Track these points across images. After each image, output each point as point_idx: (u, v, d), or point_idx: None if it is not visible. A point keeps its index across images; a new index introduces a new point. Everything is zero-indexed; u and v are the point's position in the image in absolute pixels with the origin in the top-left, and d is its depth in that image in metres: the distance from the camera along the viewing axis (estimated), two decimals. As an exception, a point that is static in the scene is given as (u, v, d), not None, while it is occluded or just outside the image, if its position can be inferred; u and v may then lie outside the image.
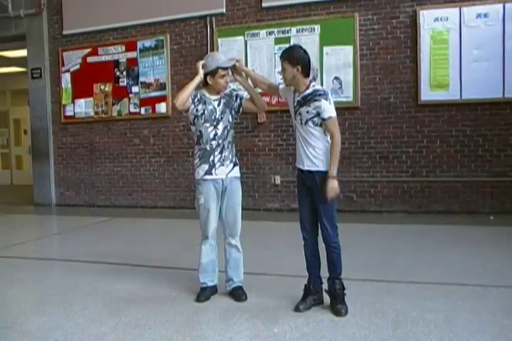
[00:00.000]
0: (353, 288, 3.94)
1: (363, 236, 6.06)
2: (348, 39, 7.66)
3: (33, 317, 3.56)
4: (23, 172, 14.40)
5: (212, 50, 8.42)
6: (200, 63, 3.74)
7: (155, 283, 4.30)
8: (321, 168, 3.45)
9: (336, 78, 7.76)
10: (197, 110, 3.73)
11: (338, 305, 3.47)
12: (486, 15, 7.04)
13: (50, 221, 8.63)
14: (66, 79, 9.59)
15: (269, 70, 8.08)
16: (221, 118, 3.75)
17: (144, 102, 8.94)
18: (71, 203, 9.62)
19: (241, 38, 8.27)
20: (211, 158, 3.75)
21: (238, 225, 3.87)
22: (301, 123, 3.48)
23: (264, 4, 8.12)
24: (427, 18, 7.25)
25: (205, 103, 3.74)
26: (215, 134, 3.75)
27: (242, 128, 8.31)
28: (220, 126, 3.75)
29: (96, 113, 9.34)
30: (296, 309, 3.52)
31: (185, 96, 3.67)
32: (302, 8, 7.95)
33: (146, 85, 8.92)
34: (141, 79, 8.94)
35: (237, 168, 3.86)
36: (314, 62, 7.75)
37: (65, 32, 9.53)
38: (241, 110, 3.90)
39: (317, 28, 7.84)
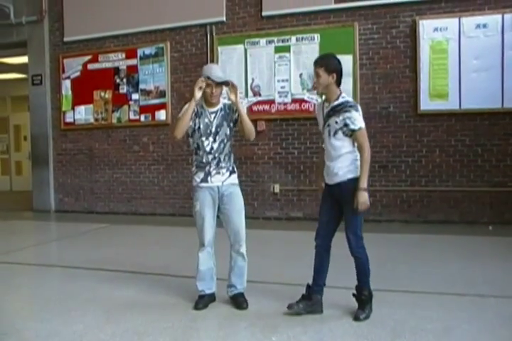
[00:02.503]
0: (352, 298, 3.95)
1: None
2: (347, 48, 7.69)
3: (30, 324, 3.55)
4: (22, 178, 14.39)
5: (212, 58, 8.46)
6: (198, 86, 3.63)
7: (154, 291, 4.29)
8: (350, 176, 3.45)
9: (336, 87, 7.77)
10: (194, 124, 3.71)
11: (358, 310, 3.51)
12: (485, 26, 7.09)
13: (49, 227, 8.62)
14: (66, 86, 9.62)
15: (268, 79, 8.11)
16: (217, 132, 3.71)
17: (143, 109, 8.97)
18: (70, 209, 9.62)
19: (241, 46, 8.31)
20: (207, 168, 3.74)
21: (242, 231, 3.81)
22: (330, 135, 3.48)
23: (264, 13, 8.17)
24: (427, 28, 7.29)
25: (201, 116, 3.71)
26: (211, 148, 3.72)
27: (241, 136, 8.26)
28: (217, 140, 3.72)
29: (96, 120, 9.36)
30: (289, 308, 3.56)
31: (183, 127, 3.66)
32: (302, 17, 8.00)
33: (146, 92, 8.94)
34: (141, 86, 8.97)
35: (234, 176, 3.82)
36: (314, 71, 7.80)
37: (65, 39, 9.58)
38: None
39: (317, 37, 7.89)
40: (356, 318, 3.46)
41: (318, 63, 3.54)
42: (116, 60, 9.17)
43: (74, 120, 9.56)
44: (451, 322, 3.41)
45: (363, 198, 3.36)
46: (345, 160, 3.47)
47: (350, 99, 3.54)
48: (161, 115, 8.83)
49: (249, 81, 8.25)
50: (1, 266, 5.34)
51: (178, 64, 8.78)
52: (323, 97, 3.62)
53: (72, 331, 3.37)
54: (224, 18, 8.41)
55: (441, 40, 7.25)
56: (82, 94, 9.45)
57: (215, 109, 3.75)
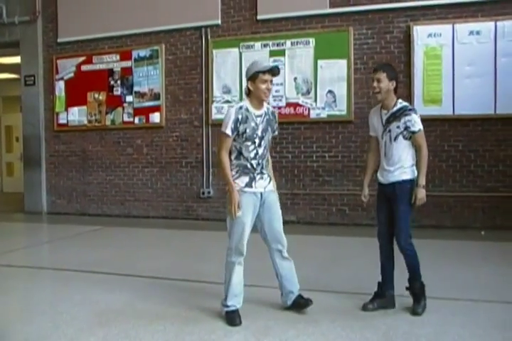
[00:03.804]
0: (345, 302, 3.96)
1: (355, 249, 6.07)
2: (342, 53, 7.72)
3: (20, 327, 3.52)
4: (13, 180, 14.30)
5: (207, 61, 8.47)
6: (236, 205, 3.51)
7: (146, 294, 4.27)
8: (405, 177, 3.68)
9: (330, 92, 7.81)
10: (238, 130, 3.51)
11: (415, 305, 3.68)
12: (478, 33, 7.14)
13: (41, 229, 8.58)
14: (60, 87, 9.58)
15: (263, 82, 8.11)
16: (263, 137, 3.58)
17: (137, 112, 8.95)
18: (62, 211, 9.57)
19: (236, 49, 8.32)
20: (251, 173, 3.58)
21: (284, 238, 3.70)
22: (391, 140, 3.69)
23: (260, 17, 8.19)
24: (421, 33, 7.34)
25: (246, 121, 3.51)
26: (256, 153, 3.58)
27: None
28: (262, 145, 3.59)
29: (89, 121, 9.33)
30: (364, 308, 3.72)
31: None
32: (297, 21, 8.02)
33: (140, 95, 8.93)
34: (136, 88, 8.96)
35: (272, 182, 3.72)
36: (308, 75, 7.85)
37: (59, 40, 9.55)
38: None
39: (312, 41, 7.91)
40: (415, 313, 3.63)
41: (380, 69, 3.73)
42: (111, 61, 9.16)
43: (67, 121, 9.53)
44: (444, 327, 3.42)
45: (422, 194, 3.64)
46: (405, 162, 3.70)
47: (407, 103, 3.76)
48: (155, 117, 8.82)
49: (244, 84, 8.20)
50: (-8, 268, 5.31)
51: (172, 66, 8.78)
52: (380, 104, 3.81)
53: (63, 334, 3.35)
54: (219, 21, 8.42)
55: (435, 46, 7.29)
56: (75, 96, 9.42)
57: (260, 112, 3.60)
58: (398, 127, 3.65)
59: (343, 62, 7.73)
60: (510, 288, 4.35)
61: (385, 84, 3.66)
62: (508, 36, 7.04)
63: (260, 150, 3.59)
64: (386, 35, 7.59)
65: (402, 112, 3.65)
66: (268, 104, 3.77)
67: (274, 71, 3.55)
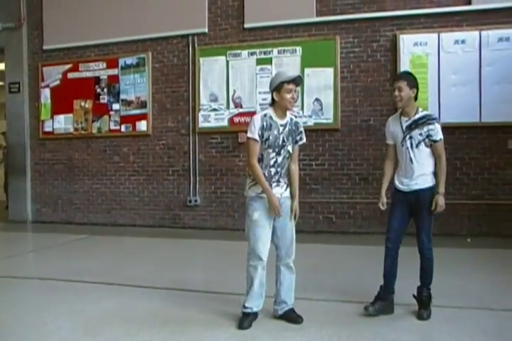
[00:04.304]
0: (332, 310, 3.96)
1: (342, 257, 6.08)
2: (329, 61, 7.76)
3: (4, 338, 3.46)
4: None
5: (194, 69, 8.46)
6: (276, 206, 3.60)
7: (132, 303, 4.23)
8: (427, 185, 3.82)
9: (317, 100, 7.84)
10: (262, 136, 3.61)
11: (421, 310, 3.76)
12: (463, 42, 7.22)
13: (26, 238, 8.45)
14: (45, 95, 9.51)
15: (250, 90, 8.13)
16: (283, 146, 3.67)
17: (124, 120, 8.91)
18: (47, 220, 9.46)
19: (223, 57, 8.33)
20: (268, 180, 3.64)
21: (293, 246, 3.75)
22: (412, 146, 3.80)
23: (247, 25, 8.21)
24: (407, 42, 7.40)
25: (270, 128, 3.62)
26: (275, 161, 3.67)
27: (222, 147, 8.33)
28: (281, 154, 3.68)
29: (75, 129, 9.26)
30: (365, 310, 3.77)
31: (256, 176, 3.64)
32: (284, 30, 8.06)
33: (127, 103, 8.89)
34: (122, 96, 8.92)
35: (289, 190, 3.78)
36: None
37: (45, 47, 9.48)
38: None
39: (299, 49, 7.94)
40: (421, 317, 3.70)
41: (401, 78, 3.86)
42: (97, 69, 9.12)
43: (53, 129, 9.45)
44: (431, 334, 3.45)
45: (442, 202, 3.79)
46: (426, 170, 3.82)
47: (429, 112, 3.94)
48: (142, 126, 8.78)
49: (231, 93, 8.26)
50: (-25, 278, 5.22)
51: (159, 74, 8.76)
52: (399, 111, 3.92)
53: (48, 345, 3.30)
54: (206, 30, 8.43)
55: (421, 55, 7.36)
56: (61, 103, 9.35)
57: (284, 122, 3.70)
58: (421, 134, 3.76)
59: (330, 71, 7.77)
60: (497, 295, 4.37)
61: (406, 92, 3.76)
62: (492, 45, 7.13)
63: (279, 159, 3.68)
64: (373, 44, 7.65)
65: (426, 120, 3.78)
66: (295, 117, 3.89)
67: (298, 81, 3.67)
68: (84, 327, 3.63)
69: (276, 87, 3.62)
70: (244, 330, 3.52)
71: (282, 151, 3.67)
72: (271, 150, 3.63)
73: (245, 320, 3.61)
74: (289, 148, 3.71)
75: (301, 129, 3.82)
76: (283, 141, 3.66)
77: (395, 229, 3.88)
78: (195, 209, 8.53)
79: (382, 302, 3.82)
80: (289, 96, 3.60)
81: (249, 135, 3.62)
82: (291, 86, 3.61)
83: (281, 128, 3.66)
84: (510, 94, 7.05)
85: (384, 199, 4.03)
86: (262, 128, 3.59)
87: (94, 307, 4.11)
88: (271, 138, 3.61)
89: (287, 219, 3.73)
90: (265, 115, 3.65)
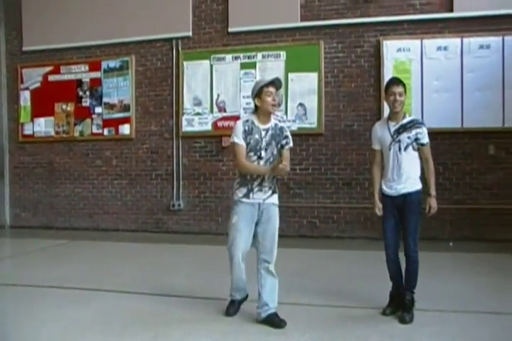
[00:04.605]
0: (315, 314, 3.96)
1: (326, 261, 6.09)
2: (313, 66, 7.79)
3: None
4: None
5: (177, 72, 8.43)
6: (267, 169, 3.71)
7: (112, 309, 4.20)
8: (415, 188, 3.89)
9: (301, 104, 7.86)
10: (245, 140, 3.74)
11: (404, 313, 3.80)
12: (445, 49, 7.31)
13: (3, 243, 8.28)
14: (25, 97, 9.38)
15: (234, 95, 8.12)
16: (266, 150, 3.75)
17: (107, 123, 8.82)
18: (27, 225, 9.30)
19: (207, 61, 8.31)
20: (250, 184, 3.77)
21: (275, 251, 3.80)
22: (400, 150, 3.88)
23: (231, 29, 8.21)
24: (390, 48, 7.47)
25: (251, 132, 3.74)
26: (258, 165, 3.77)
27: (206, 152, 8.30)
28: (263, 158, 3.76)
29: (57, 132, 9.15)
30: (383, 313, 3.90)
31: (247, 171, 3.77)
32: (268, 35, 8.07)
33: (110, 106, 8.82)
34: (105, 99, 8.84)
35: (275, 196, 3.86)
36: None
37: (24, 48, 9.34)
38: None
39: (283, 54, 7.96)
40: (403, 320, 3.74)
41: (401, 83, 3.95)
42: (79, 72, 9.02)
43: (33, 132, 9.31)
44: (412, 338, 3.49)
45: (435, 204, 3.94)
46: (413, 173, 3.90)
47: (415, 117, 4.13)
48: (125, 129, 8.71)
49: (215, 96, 8.24)
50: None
51: (142, 78, 8.70)
52: (385, 116, 4.10)
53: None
54: (190, 33, 8.40)
55: (404, 61, 7.43)
56: (42, 106, 9.22)
57: (266, 126, 3.80)
58: (409, 138, 3.86)
59: (314, 76, 7.80)
60: (478, 298, 4.43)
61: (404, 97, 3.90)
62: (474, 52, 7.23)
63: (262, 163, 3.77)
64: (356, 49, 7.70)
65: (414, 124, 3.89)
66: (283, 122, 3.99)
67: (276, 83, 3.80)
68: (64, 334, 3.59)
69: (257, 93, 3.74)
70: (228, 333, 3.53)
71: (264, 155, 3.74)
72: (252, 154, 3.74)
73: (231, 307, 3.92)
74: (274, 151, 3.76)
75: (287, 134, 3.87)
76: (266, 145, 3.74)
77: (391, 236, 3.96)
78: (179, 214, 8.48)
79: (396, 303, 3.93)
80: (269, 99, 3.70)
81: (233, 140, 3.79)
82: (270, 89, 3.72)
83: (263, 133, 3.75)
84: (490, 101, 7.17)
85: (380, 205, 4.06)
86: (244, 133, 3.72)
87: (75, 314, 4.06)
88: (252, 142, 3.72)
89: (269, 225, 3.77)
90: (247, 121, 3.79)
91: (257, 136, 3.73)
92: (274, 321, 3.69)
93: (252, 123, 3.76)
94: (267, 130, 3.77)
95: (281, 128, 3.86)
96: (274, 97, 3.74)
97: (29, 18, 9.27)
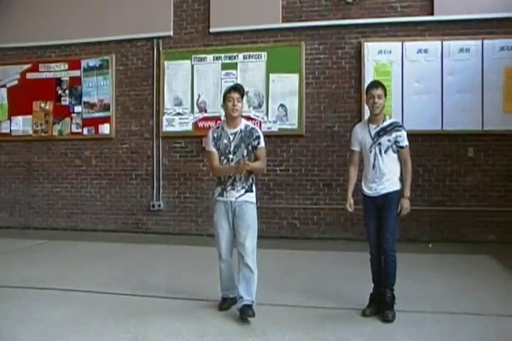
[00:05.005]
0: (295, 315, 3.96)
1: (306, 262, 6.09)
2: (294, 67, 7.80)
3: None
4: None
5: (158, 72, 8.38)
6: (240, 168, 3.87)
7: (91, 308, 4.16)
8: (394, 188, 3.98)
9: (282, 105, 7.86)
10: (217, 145, 4.03)
11: (386, 311, 3.84)
12: (426, 51, 7.37)
13: (-21, 244, 8.15)
14: (2, 95, 9.22)
15: (215, 95, 8.07)
16: (234, 153, 3.98)
17: (86, 122, 8.72)
18: (4, 225, 9.15)
19: (188, 61, 8.27)
20: (223, 184, 4.04)
21: (248, 245, 3.92)
22: (381, 152, 3.97)
23: (212, 29, 8.18)
24: (371, 50, 7.50)
25: (220, 138, 4.01)
26: None
27: (186, 152, 8.25)
28: (233, 160, 3.97)
29: (35, 131, 9.02)
30: (363, 314, 3.90)
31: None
32: (250, 35, 8.06)
33: (90, 105, 8.72)
34: (85, 98, 8.74)
35: (250, 194, 4.02)
36: (260, 89, 7.87)
37: (1, 45, 9.16)
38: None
39: (264, 55, 7.95)
40: (387, 318, 3.79)
41: (381, 86, 4.02)
42: (59, 70, 8.90)
43: (10, 131, 9.16)
44: (392, 338, 3.49)
45: (407, 204, 4.00)
46: (392, 174, 3.98)
47: (395, 119, 4.20)
48: (105, 129, 8.62)
49: (196, 97, 8.20)
50: None
51: (123, 77, 8.62)
52: (366, 118, 4.16)
53: (4, 356, 3.18)
54: (171, 33, 8.35)
55: (385, 63, 7.47)
56: (20, 104, 9.07)
57: (234, 131, 4.01)
58: (389, 140, 3.94)
59: (295, 77, 7.80)
60: (457, 299, 4.46)
61: (383, 100, 3.95)
62: (453, 55, 7.31)
63: (232, 164, 3.97)
64: (338, 51, 7.73)
65: (394, 127, 3.97)
66: (259, 124, 4.14)
67: (237, 88, 4.03)
68: (42, 335, 3.54)
69: (223, 99, 4.03)
70: (208, 334, 3.49)
71: (234, 157, 3.97)
72: (223, 158, 4.02)
73: (223, 303, 4.13)
74: (245, 153, 3.97)
75: (258, 134, 4.03)
76: (234, 147, 3.98)
77: (374, 237, 4.03)
78: (159, 214, 8.42)
79: (376, 304, 3.96)
80: (230, 104, 3.94)
81: (206, 148, 4.19)
82: (231, 94, 3.95)
83: (231, 137, 4.00)
84: (470, 103, 7.24)
85: (351, 201, 4.17)
86: (214, 139, 4.03)
87: (52, 315, 4.01)
88: (221, 146, 4.01)
89: (243, 221, 3.96)
90: (217, 127, 4.12)
91: (225, 141, 3.99)
92: (240, 312, 3.83)
93: (222, 128, 4.04)
94: (235, 134, 4.00)
95: (251, 130, 4.03)
96: (235, 103, 3.92)
97: (6, 15, 9.08)
